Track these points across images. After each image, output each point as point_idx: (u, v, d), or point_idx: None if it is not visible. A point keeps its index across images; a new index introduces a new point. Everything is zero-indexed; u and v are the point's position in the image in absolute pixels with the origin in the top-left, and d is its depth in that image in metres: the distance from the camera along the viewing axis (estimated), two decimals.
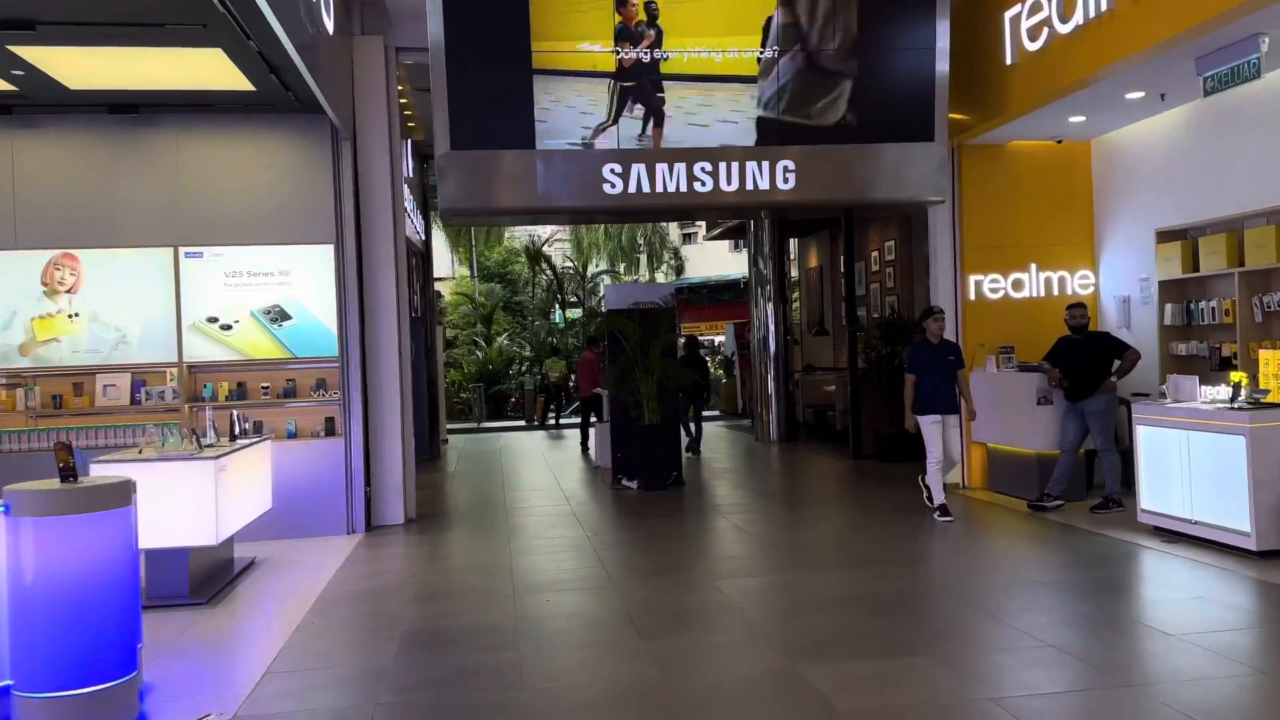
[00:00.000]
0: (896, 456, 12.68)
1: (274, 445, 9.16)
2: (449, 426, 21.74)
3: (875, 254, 16.23)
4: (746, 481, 12.00)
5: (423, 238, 15.12)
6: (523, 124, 8.38)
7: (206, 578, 7.21)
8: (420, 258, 15.63)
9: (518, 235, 43.74)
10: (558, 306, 31.82)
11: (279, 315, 9.28)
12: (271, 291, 9.29)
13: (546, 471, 13.53)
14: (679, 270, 44.50)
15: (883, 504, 9.79)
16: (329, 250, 9.33)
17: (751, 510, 9.83)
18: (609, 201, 8.47)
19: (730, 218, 15.27)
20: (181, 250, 9.15)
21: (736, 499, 10.60)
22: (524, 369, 28.44)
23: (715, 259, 44.11)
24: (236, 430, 8.01)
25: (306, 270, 9.34)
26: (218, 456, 6.92)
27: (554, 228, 46.35)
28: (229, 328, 9.22)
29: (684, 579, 7.06)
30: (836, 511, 9.62)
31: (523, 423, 22.56)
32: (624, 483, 11.52)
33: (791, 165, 8.74)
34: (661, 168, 8.52)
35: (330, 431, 9.41)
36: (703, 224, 42.91)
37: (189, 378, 9.28)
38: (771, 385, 15.96)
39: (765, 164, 8.65)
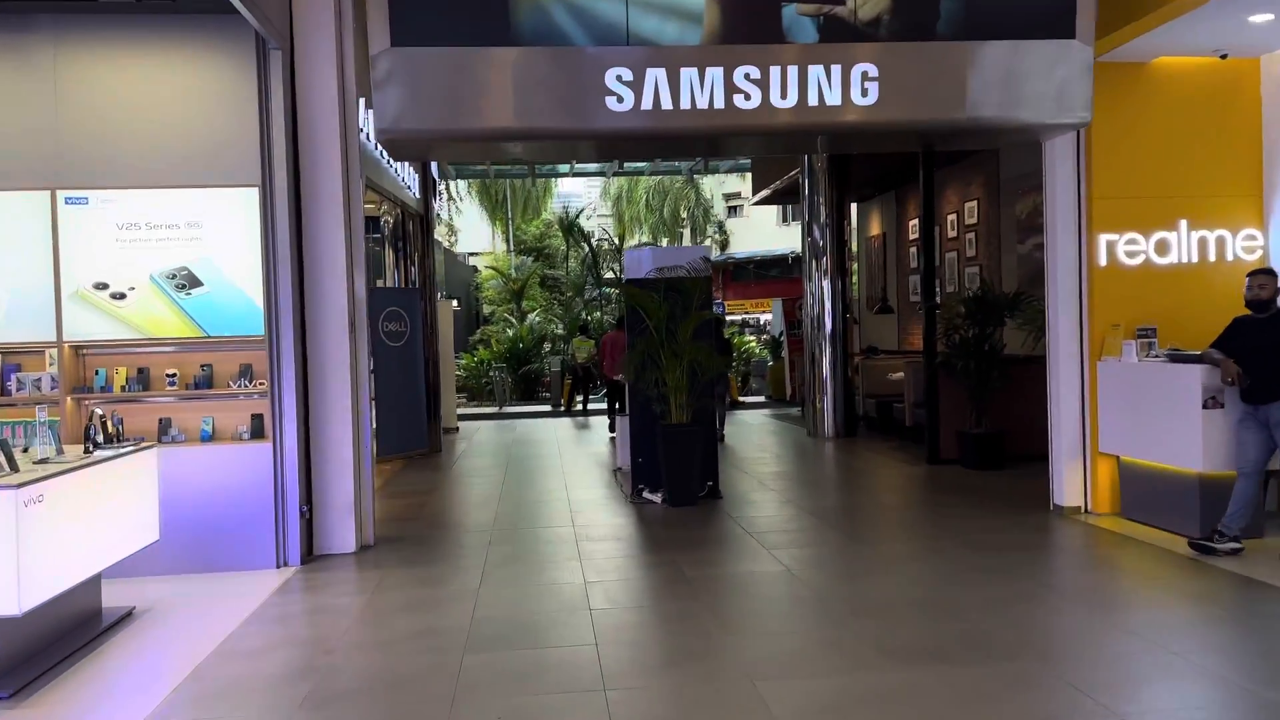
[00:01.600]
0: (985, 462, 10.12)
1: (182, 453, 6.90)
2: (465, 412, 19.52)
3: (953, 217, 13.57)
4: (798, 494, 9.52)
5: (417, 195, 12.73)
6: (493, 9, 5.93)
7: (29, 651, 4.95)
8: (419, 221, 13.29)
9: (555, 208, 41.38)
10: (592, 282, 29.42)
11: (187, 281, 6.98)
12: (178, 249, 6.98)
13: (558, 473, 11.17)
14: (724, 245, 41.86)
15: (985, 537, 7.28)
16: (252, 195, 7.00)
17: (806, 543, 7.37)
18: (613, 122, 6.02)
19: (780, 151, 12.57)
20: (60, 195, 6.88)
21: (786, 522, 8.15)
22: (554, 348, 26.14)
23: (762, 232, 41.33)
24: (97, 436, 5.73)
25: (223, 221, 7.02)
26: (21, 484, 4.63)
27: (591, 199, 43.90)
28: (122, 296, 6.93)
29: (709, 674, 4.64)
30: (922, 549, 7.13)
31: (549, 407, 20.24)
32: (645, 495, 9.11)
33: (872, 71, 6.18)
34: (689, 75, 6.02)
35: (259, 433, 7.12)
36: (747, 184, 40.13)
37: (73, 362, 7.02)
38: (827, 370, 13.42)
39: (836, 69, 6.10)
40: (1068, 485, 8.09)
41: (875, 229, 16.50)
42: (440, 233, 42.83)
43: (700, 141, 7.06)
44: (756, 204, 18.75)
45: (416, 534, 8.13)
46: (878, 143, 7.79)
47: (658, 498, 8.98)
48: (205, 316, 6.97)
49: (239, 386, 7.11)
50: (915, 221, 15.05)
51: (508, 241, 41.91)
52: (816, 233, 13.55)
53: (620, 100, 6.01)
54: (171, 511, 6.77)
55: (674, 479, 8.80)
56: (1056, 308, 8.10)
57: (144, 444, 6.13)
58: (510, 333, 28.02)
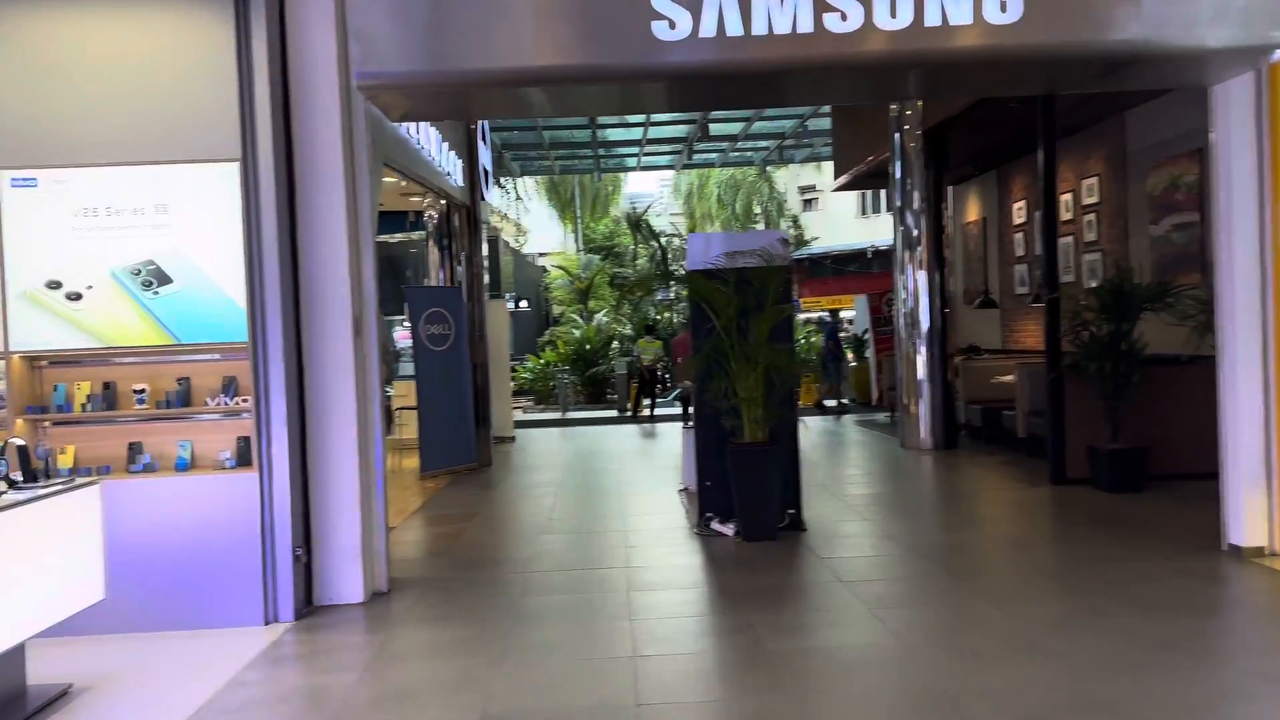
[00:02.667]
0: (1123, 483, 8.39)
1: (151, 485, 5.67)
2: (526, 419, 18.24)
3: (1067, 197, 11.78)
4: (899, 525, 7.93)
5: (460, 184, 11.42)
6: None
7: None
8: (465, 213, 11.98)
9: (624, 206, 40.03)
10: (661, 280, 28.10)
11: (154, 277, 5.72)
12: (143, 239, 5.73)
13: (617, 493, 9.74)
14: (799, 240, 40.04)
15: (1149, 591, 5.61)
16: (232, 172, 5.71)
17: (919, 599, 5.81)
18: (662, 56, 4.55)
19: (867, 97, 10.71)
20: (5, 176, 5.69)
21: (888, 566, 6.58)
22: (622, 349, 24.78)
23: (839, 226, 39.39)
24: (10, 474, 4.49)
25: (197, 205, 5.74)
26: None
27: (660, 196, 42.39)
28: (78, 297, 5.70)
29: None
30: (1072, 609, 5.50)
31: (615, 412, 18.85)
32: (715, 526, 7.62)
33: None
34: None
35: (246, 460, 5.83)
36: (823, 175, 38.21)
37: (25, 375, 5.82)
38: (922, 372, 11.74)
39: None
40: (1247, 520, 6.36)
41: (973, 214, 14.71)
42: (508, 232, 41.88)
43: (772, 82, 5.45)
44: (838, 190, 17.05)
45: (443, 576, 6.77)
46: (994, 81, 6.08)
47: (729, 530, 7.48)
48: (176, 320, 5.71)
49: (220, 404, 5.83)
50: (1021, 204, 13.26)
51: (577, 241, 40.75)
52: (910, 219, 11.87)
53: (672, 26, 4.53)
54: (137, 556, 5.55)
55: (748, 508, 7.30)
56: (1232, 299, 6.37)
57: (81, 480, 4.85)
58: (576, 334, 26.76)
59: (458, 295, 11.63)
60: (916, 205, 11.82)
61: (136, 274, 5.69)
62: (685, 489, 9.51)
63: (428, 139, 9.32)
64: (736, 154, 24.45)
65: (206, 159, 5.69)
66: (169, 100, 5.69)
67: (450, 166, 10.58)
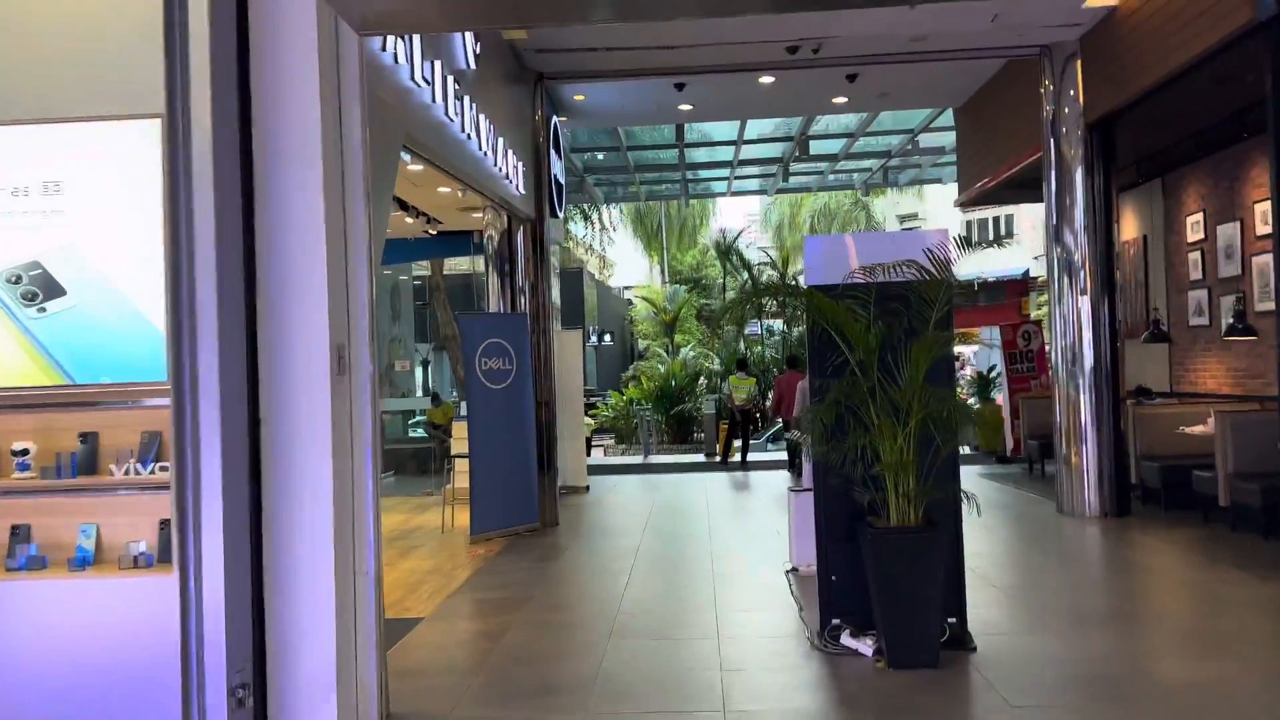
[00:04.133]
0: None
1: (30, 591, 3.82)
2: (603, 463, 16.25)
3: (1263, 208, 9.32)
4: (1104, 644, 5.61)
5: (520, 191, 9.51)
6: None
7: None
8: (529, 228, 10.08)
9: (713, 234, 38.04)
10: (752, 310, 25.85)
11: (39, 288, 3.87)
12: (24, 233, 3.90)
13: (706, 571, 7.61)
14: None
15: None
16: (152, 134, 3.85)
17: None
18: None
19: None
20: None
21: None
22: (710, 386, 22.68)
23: None
24: None
25: (102, 182, 3.89)
26: None
27: (743, 221, 40.26)
28: None
29: None
30: None
31: (702, 457, 16.70)
32: (846, 640, 5.42)
33: None
34: None
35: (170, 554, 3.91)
36: (924, 203, 35.45)
37: None
38: (1087, 419, 9.34)
39: None
40: None
41: (1129, 231, 12.24)
42: (592, 264, 40.30)
43: None
44: (961, 205, 14.71)
45: (464, 716, 4.73)
46: None
47: (866, 647, 5.28)
48: (70, 350, 3.85)
49: (132, 472, 3.94)
50: (1197, 217, 10.78)
51: (663, 273, 38.95)
52: (1069, 237, 9.53)
53: None
54: (8, 700, 3.67)
55: (895, 619, 5.09)
56: None
57: None
58: (661, 369, 24.77)
59: (521, 325, 9.71)
60: (1079, 219, 9.47)
61: (14, 283, 3.85)
62: (795, 569, 7.33)
63: (475, 128, 7.42)
64: (835, 177, 22.18)
65: (115, 115, 3.84)
66: (56, 26, 3.87)
67: (509, 169, 8.69)
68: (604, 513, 10.87)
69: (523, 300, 9.91)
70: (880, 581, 5.12)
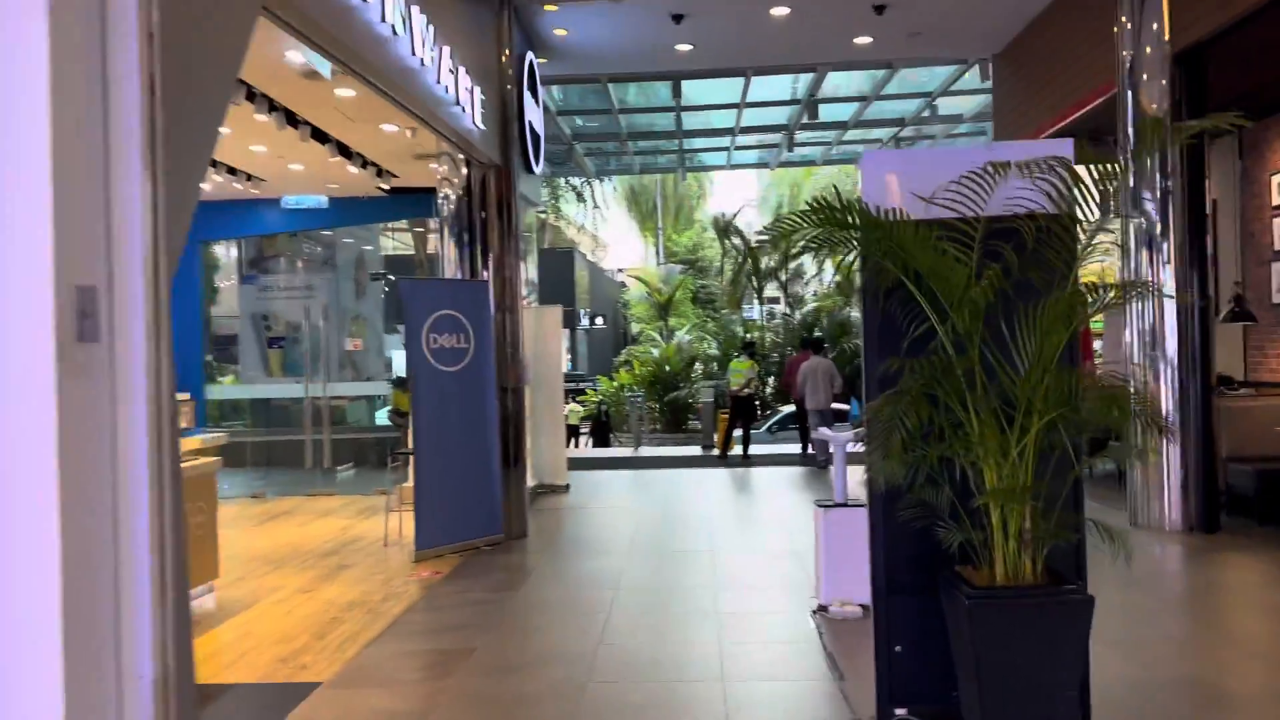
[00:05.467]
0: None
1: None
2: (585, 456, 14.45)
3: None
4: None
5: (478, 125, 7.63)
6: None
7: None
8: (496, 176, 8.20)
9: (711, 214, 36.13)
10: (752, 292, 24.05)
11: None
12: None
13: (710, 612, 5.80)
14: None
15: None
16: None
17: None
18: None
19: None
20: None
21: None
22: (707, 372, 20.88)
23: None
24: None
25: None
26: None
27: (742, 202, 38.33)
28: None
29: None
30: None
31: (698, 449, 14.88)
32: None
33: None
34: None
35: None
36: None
37: None
38: (1171, 413, 7.55)
39: None
40: None
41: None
42: (585, 245, 38.41)
43: None
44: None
45: None
46: None
47: None
48: None
49: None
50: None
51: (658, 254, 37.10)
52: (1149, 200, 7.70)
53: None
54: None
55: (1004, 715, 3.28)
56: None
57: None
58: (655, 353, 22.95)
59: (479, 295, 7.86)
60: (1162, 181, 7.64)
61: None
62: (824, 609, 5.53)
63: (406, 25, 5.52)
64: (842, 149, 20.27)
65: None
66: None
67: (461, 94, 6.79)
68: (584, 520, 9.05)
69: (487, 267, 8.05)
70: (980, 664, 3.31)
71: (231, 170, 9.23)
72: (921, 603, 3.70)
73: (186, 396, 10.58)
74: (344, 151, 8.55)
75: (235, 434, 14.23)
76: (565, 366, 35.14)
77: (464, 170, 7.90)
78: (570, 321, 33.03)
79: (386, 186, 9.86)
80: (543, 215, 34.62)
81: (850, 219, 3.49)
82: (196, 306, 10.73)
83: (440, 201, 8.26)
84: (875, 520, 3.83)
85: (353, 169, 8.88)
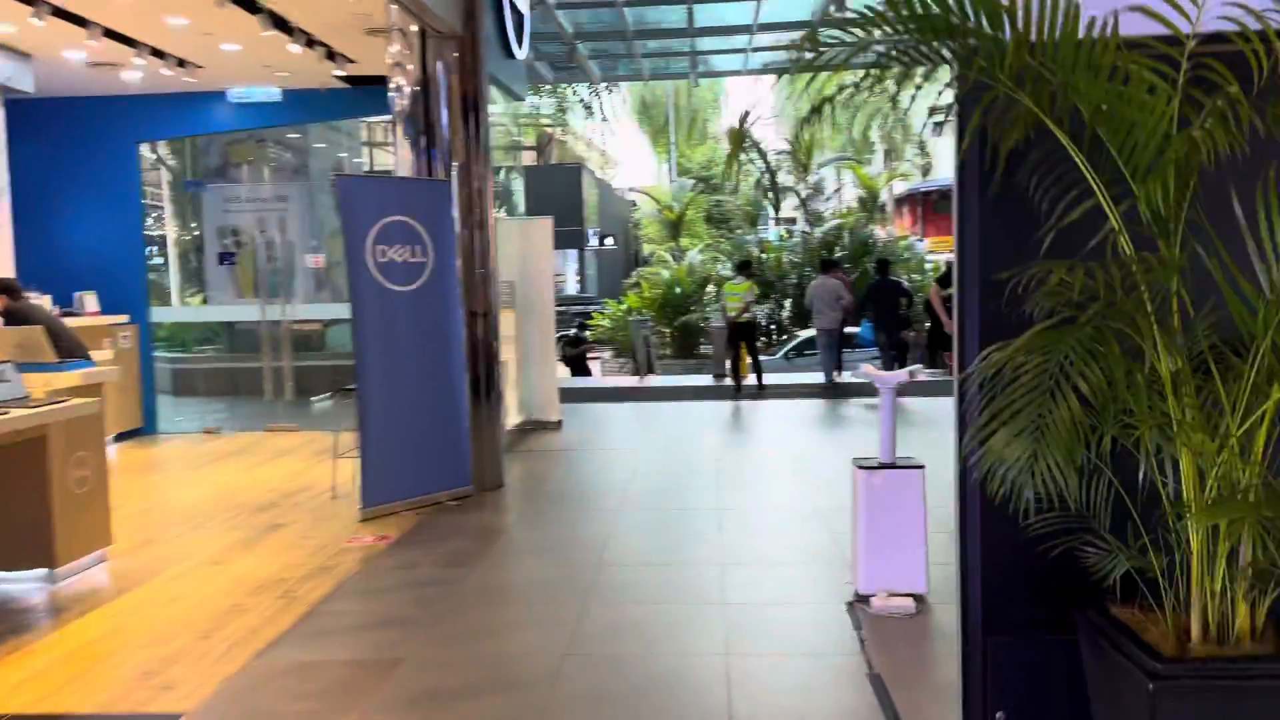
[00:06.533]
0: None
1: None
2: (583, 386, 13.12)
3: None
4: None
5: None
6: None
7: None
8: (459, 48, 6.63)
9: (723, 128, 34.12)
10: (769, 208, 22.37)
11: None
12: None
13: (715, 599, 4.50)
14: (925, 170, 33.68)
15: None
16: None
17: None
18: None
19: None
20: None
21: None
22: (719, 296, 19.39)
23: None
24: None
25: None
26: None
27: (767, 97, 36.20)
28: None
29: None
30: None
31: (709, 380, 13.49)
32: None
33: None
34: None
35: None
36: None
37: None
38: None
39: None
40: None
41: None
42: (594, 162, 36.57)
43: None
44: None
45: None
46: None
47: None
48: None
49: None
50: None
51: (670, 172, 35.22)
52: None
53: None
54: None
55: None
56: None
57: None
58: (665, 275, 21.43)
59: (439, 196, 6.40)
60: None
61: None
62: (863, 600, 4.20)
63: None
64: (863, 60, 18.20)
65: None
66: None
67: None
68: (573, 466, 7.75)
69: (445, 158, 6.54)
70: None
71: (158, 53, 7.71)
72: (1039, 648, 2.35)
73: (124, 319, 9.27)
74: (280, 25, 7.01)
75: (196, 360, 12.97)
76: (572, 288, 33.69)
77: (418, 43, 6.36)
78: (578, 241, 31.43)
79: (341, 72, 8.32)
80: (549, 128, 32.73)
81: (960, 15, 2.00)
82: (136, 217, 9.30)
83: (392, 94, 6.70)
84: (969, 520, 2.45)
85: (294, 48, 7.35)
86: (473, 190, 6.65)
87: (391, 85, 6.69)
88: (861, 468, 4.38)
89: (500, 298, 8.33)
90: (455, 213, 6.46)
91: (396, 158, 6.85)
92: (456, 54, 6.57)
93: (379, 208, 6.05)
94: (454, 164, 6.58)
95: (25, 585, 4.75)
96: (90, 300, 8.77)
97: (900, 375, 4.60)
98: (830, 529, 5.44)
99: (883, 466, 4.35)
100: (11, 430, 4.32)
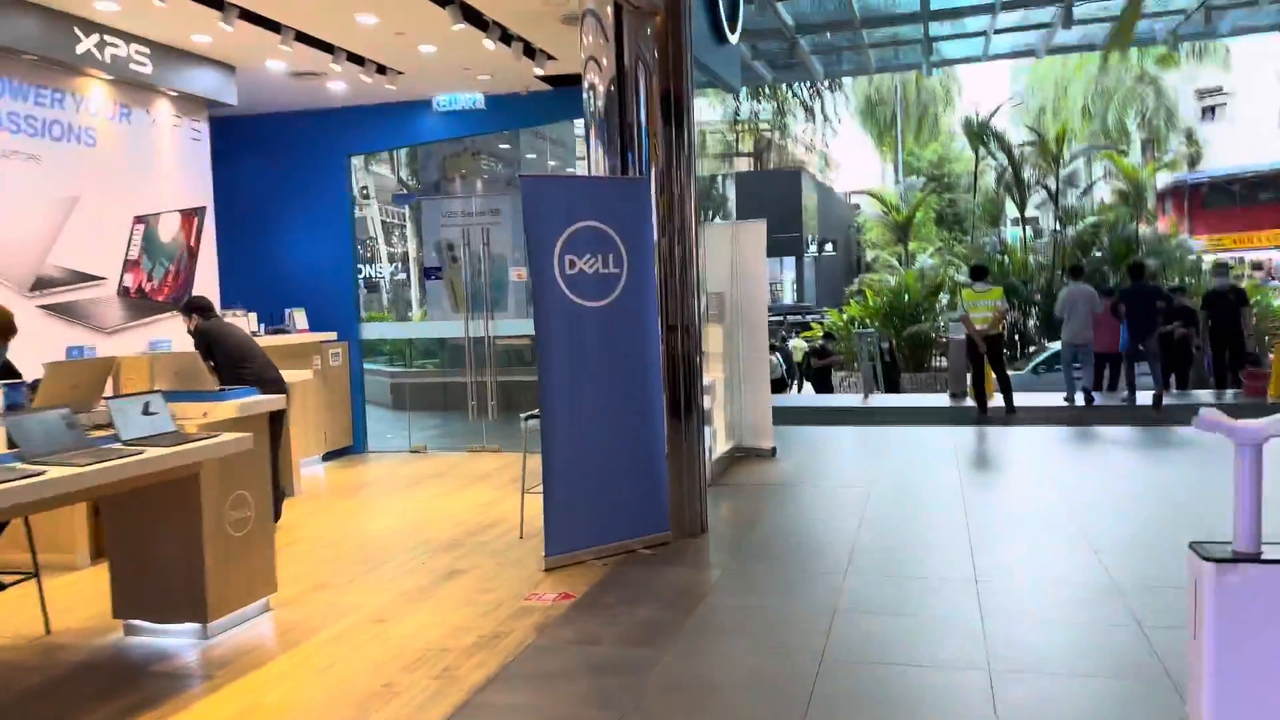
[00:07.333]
0: None
1: None
2: (804, 404, 11.96)
3: None
4: None
5: None
6: None
7: None
8: (658, 26, 5.71)
9: (957, 125, 31.61)
10: (1014, 207, 20.12)
11: None
12: None
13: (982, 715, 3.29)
14: (1192, 161, 29.72)
15: None
16: None
17: None
18: None
19: None
20: None
21: None
22: (953, 303, 17.58)
23: (1253, 139, 28.52)
24: None
25: None
26: None
27: (1003, 88, 33.18)
28: None
29: None
30: None
31: (946, 400, 11.94)
32: None
33: None
34: None
35: None
36: (1231, 74, 27.55)
37: None
38: None
39: None
40: None
41: None
42: (813, 165, 35.05)
43: None
44: None
45: None
46: None
47: None
48: None
49: None
50: None
51: (897, 173, 33.13)
52: None
53: None
54: None
55: None
56: None
57: None
58: (892, 281, 19.79)
59: (636, 199, 5.52)
60: None
61: None
62: None
63: None
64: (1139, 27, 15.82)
65: None
66: None
67: None
68: (788, 505, 6.64)
69: (641, 162, 5.65)
70: None
71: (356, 59, 7.37)
72: None
73: (332, 336, 9.10)
74: (472, 19, 6.42)
75: (412, 375, 12.90)
76: (789, 298, 32.34)
77: (611, 20, 5.51)
78: (796, 248, 30.10)
79: (542, 71, 7.68)
80: (768, 133, 31.61)
81: None
82: (347, 232, 9.12)
83: (586, 94, 5.89)
84: None
85: (489, 43, 6.75)
86: (674, 194, 5.70)
87: (585, 85, 5.88)
88: (1208, 559, 3.03)
89: (707, 310, 7.38)
90: (654, 218, 5.56)
91: (589, 161, 6.04)
92: (657, 36, 5.67)
93: (567, 212, 5.25)
94: (651, 166, 5.66)
95: (178, 640, 4.26)
96: (300, 317, 8.63)
97: (1266, 426, 3.20)
98: (1136, 619, 4.06)
99: (1241, 559, 2.99)
100: (154, 471, 3.80)
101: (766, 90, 23.31)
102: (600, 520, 5.31)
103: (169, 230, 7.22)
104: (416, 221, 11.84)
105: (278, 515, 6.38)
